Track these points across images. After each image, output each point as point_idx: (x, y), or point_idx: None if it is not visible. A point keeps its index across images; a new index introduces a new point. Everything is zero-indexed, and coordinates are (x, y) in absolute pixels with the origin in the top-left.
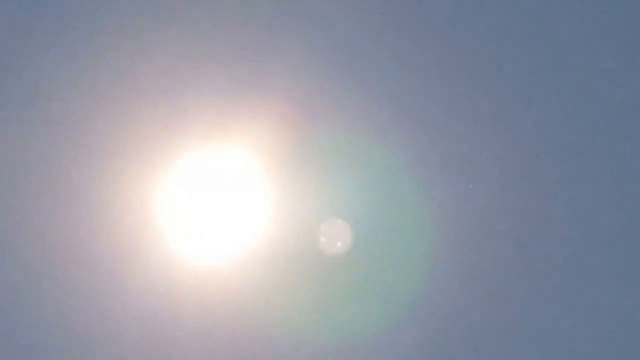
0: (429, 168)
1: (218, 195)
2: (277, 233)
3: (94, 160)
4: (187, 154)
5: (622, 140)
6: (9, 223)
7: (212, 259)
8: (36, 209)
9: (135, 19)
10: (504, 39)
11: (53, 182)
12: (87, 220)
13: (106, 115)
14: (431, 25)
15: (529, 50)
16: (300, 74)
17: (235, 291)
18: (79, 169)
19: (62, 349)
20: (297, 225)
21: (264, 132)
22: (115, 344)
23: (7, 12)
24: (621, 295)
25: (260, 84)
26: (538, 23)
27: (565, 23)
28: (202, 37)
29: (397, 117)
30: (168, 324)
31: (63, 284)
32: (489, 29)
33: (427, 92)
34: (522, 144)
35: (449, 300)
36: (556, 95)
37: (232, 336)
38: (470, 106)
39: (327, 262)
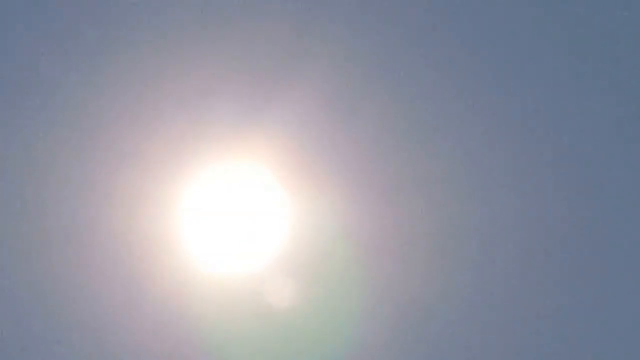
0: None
1: (233, 206)
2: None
3: (109, 167)
4: (202, 163)
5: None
6: (26, 224)
7: (226, 268)
8: (48, 217)
9: (151, 31)
10: (506, 45)
11: (66, 190)
12: (101, 234)
13: (124, 124)
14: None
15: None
16: (318, 85)
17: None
18: (94, 176)
19: (75, 355)
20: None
21: (279, 143)
22: (129, 350)
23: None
24: (621, 298)
25: (277, 95)
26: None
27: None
28: (221, 44)
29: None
30: (181, 330)
31: (78, 291)
32: (493, 35)
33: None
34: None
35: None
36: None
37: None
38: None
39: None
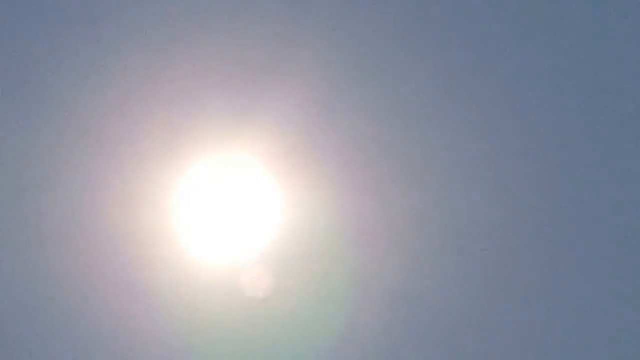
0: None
1: (225, 201)
2: (284, 236)
3: (103, 165)
4: (195, 159)
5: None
6: (22, 227)
7: (220, 261)
8: (45, 217)
9: (147, 31)
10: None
11: (63, 189)
12: (97, 226)
13: (116, 119)
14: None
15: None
16: (309, 79)
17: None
18: (85, 170)
19: (74, 354)
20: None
21: (272, 138)
22: (125, 347)
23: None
24: (611, 294)
25: (269, 91)
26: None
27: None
28: (212, 41)
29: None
30: (176, 326)
31: (74, 289)
32: (485, 33)
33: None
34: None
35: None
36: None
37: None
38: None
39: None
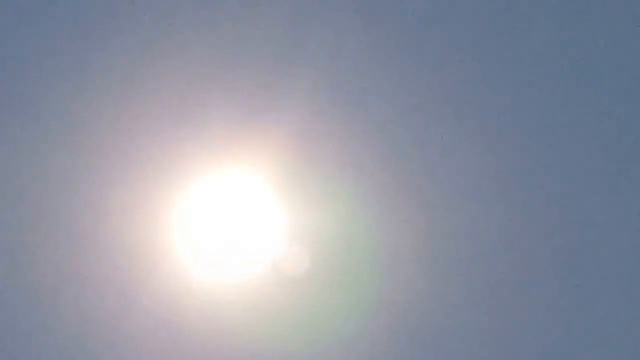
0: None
1: (226, 217)
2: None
3: (101, 176)
4: (196, 171)
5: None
6: (19, 236)
7: (220, 279)
8: (43, 228)
9: (146, 42)
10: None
11: (57, 200)
12: (95, 235)
13: (116, 133)
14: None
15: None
16: (310, 94)
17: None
18: (85, 185)
19: None
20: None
21: (273, 153)
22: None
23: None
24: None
25: (270, 106)
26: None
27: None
28: (211, 54)
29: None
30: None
31: (70, 299)
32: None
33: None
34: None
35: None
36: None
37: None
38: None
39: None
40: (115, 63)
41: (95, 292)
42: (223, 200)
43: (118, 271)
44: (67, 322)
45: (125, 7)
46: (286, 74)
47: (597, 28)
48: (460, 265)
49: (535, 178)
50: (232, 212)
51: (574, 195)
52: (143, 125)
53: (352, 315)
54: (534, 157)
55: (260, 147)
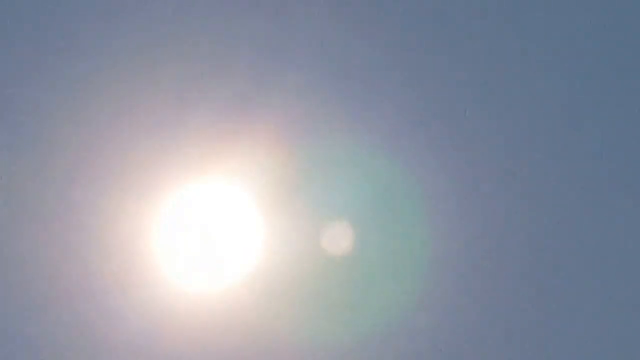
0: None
1: (212, 223)
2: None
3: (85, 183)
4: (181, 180)
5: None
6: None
7: (208, 284)
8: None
9: (135, 48)
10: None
11: (41, 210)
12: (82, 249)
13: (99, 140)
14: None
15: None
16: (297, 97)
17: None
18: (70, 192)
19: None
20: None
21: (258, 156)
22: None
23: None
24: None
25: (255, 109)
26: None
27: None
28: (202, 57)
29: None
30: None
31: (54, 308)
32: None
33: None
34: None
35: (449, 301)
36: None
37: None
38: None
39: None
40: (101, 66)
41: (79, 295)
42: (209, 205)
43: (102, 275)
44: (50, 330)
45: (113, 9)
46: (268, 83)
47: (597, 28)
48: (460, 265)
49: (535, 178)
50: (219, 217)
51: (574, 195)
52: (127, 128)
53: (335, 323)
54: (536, 157)
55: (245, 153)
